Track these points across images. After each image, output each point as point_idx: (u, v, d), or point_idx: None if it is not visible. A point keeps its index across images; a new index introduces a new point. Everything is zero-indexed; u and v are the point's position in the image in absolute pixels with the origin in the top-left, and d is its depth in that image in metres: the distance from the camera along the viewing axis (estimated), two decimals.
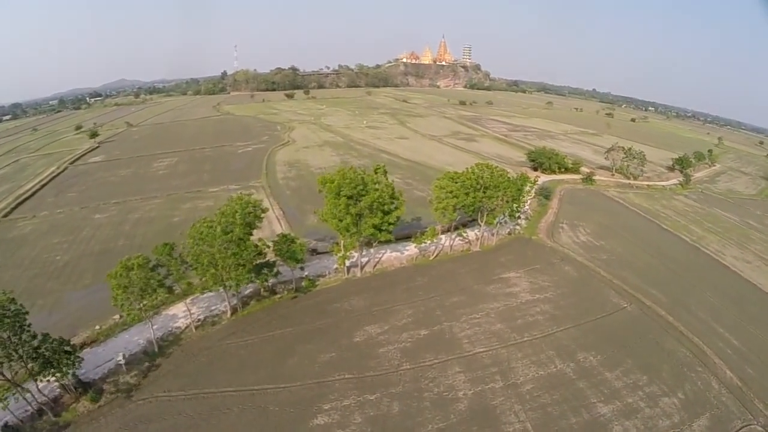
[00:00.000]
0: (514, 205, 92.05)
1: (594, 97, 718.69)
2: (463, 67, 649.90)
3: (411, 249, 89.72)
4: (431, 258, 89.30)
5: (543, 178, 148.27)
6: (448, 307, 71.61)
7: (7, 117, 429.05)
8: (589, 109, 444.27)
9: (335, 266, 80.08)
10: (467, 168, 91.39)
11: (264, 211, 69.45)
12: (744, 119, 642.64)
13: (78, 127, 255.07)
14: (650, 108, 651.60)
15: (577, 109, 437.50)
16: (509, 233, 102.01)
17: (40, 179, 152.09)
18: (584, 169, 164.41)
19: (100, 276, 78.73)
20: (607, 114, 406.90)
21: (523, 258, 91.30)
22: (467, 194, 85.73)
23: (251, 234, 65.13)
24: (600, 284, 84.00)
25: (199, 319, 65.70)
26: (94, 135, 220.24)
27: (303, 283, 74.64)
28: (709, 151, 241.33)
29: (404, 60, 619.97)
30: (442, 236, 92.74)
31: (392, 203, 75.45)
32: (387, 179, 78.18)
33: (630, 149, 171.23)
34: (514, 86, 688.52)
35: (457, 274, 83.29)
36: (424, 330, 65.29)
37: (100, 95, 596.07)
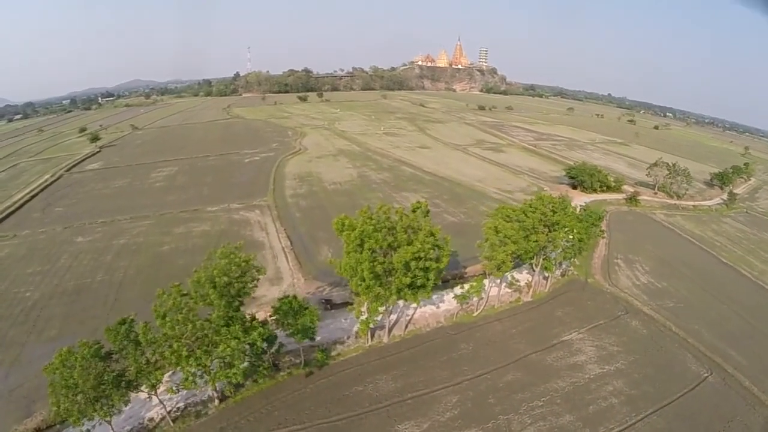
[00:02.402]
0: (580, 245, 75.90)
1: (611, 102, 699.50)
2: (479, 70, 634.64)
3: (449, 300, 72.73)
4: (475, 314, 72.13)
5: (584, 199, 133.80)
6: (503, 391, 55.41)
7: (19, 116, 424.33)
8: (609, 116, 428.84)
9: (356, 328, 62.69)
10: (526, 202, 75.07)
11: (260, 271, 50.98)
12: (761, 126, 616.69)
13: (82, 130, 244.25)
14: (668, 114, 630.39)
15: (598, 115, 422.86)
16: (562, 274, 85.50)
17: (31, 189, 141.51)
18: (627, 188, 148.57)
19: (68, 325, 67.25)
20: (629, 121, 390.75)
21: (583, 310, 75.37)
22: (528, 237, 68.70)
23: (242, 303, 48.53)
24: (673, 345, 68.94)
25: (178, 408, 50.21)
26: (95, 139, 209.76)
27: (314, 355, 57.74)
28: (746, 164, 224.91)
29: (419, 63, 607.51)
30: (486, 280, 73.01)
31: (434, 252, 56.77)
32: (430, 223, 59.83)
33: (675, 165, 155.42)
34: (531, 90, 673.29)
35: (508, 338, 67.01)
36: (476, 429, 49.16)
37: (112, 95, 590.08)
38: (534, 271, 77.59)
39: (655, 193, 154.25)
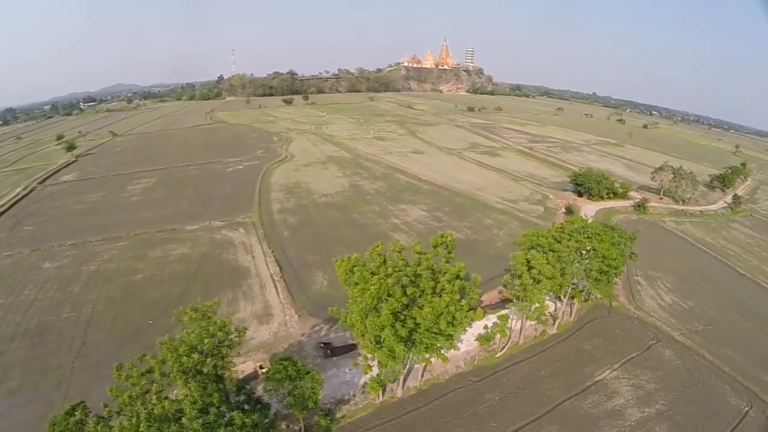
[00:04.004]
0: (615, 272, 67.59)
1: (597, 101, 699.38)
2: (466, 71, 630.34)
3: (468, 339, 62.84)
4: (498, 354, 62.95)
5: (591, 207, 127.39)
6: None
7: None
8: (598, 115, 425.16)
9: (363, 380, 52.65)
10: (555, 225, 66.33)
11: (241, 333, 40.31)
12: (744, 122, 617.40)
13: (59, 137, 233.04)
14: (653, 112, 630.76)
15: (587, 115, 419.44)
16: (585, 299, 77.10)
17: (1, 204, 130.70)
18: (633, 194, 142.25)
19: (29, 376, 58.31)
20: (618, 120, 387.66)
21: (613, 341, 67.80)
22: (564, 272, 59.11)
23: (223, 376, 37.63)
24: (710, 376, 62.85)
25: None
26: (71, 148, 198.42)
27: (316, 419, 47.42)
28: (743, 164, 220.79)
29: (406, 64, 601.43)
30: (506, 311, 63.78)
31: (463, 301, 46.22)
32: (454, 261, 49.66)
33: (680, 169, 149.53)
34: (518, 90, 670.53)
35: (537, 382, 58.44)
36: None
37: (94, 100, 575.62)
38: (562, 300, 69.21)
39: (661, 198, 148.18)
